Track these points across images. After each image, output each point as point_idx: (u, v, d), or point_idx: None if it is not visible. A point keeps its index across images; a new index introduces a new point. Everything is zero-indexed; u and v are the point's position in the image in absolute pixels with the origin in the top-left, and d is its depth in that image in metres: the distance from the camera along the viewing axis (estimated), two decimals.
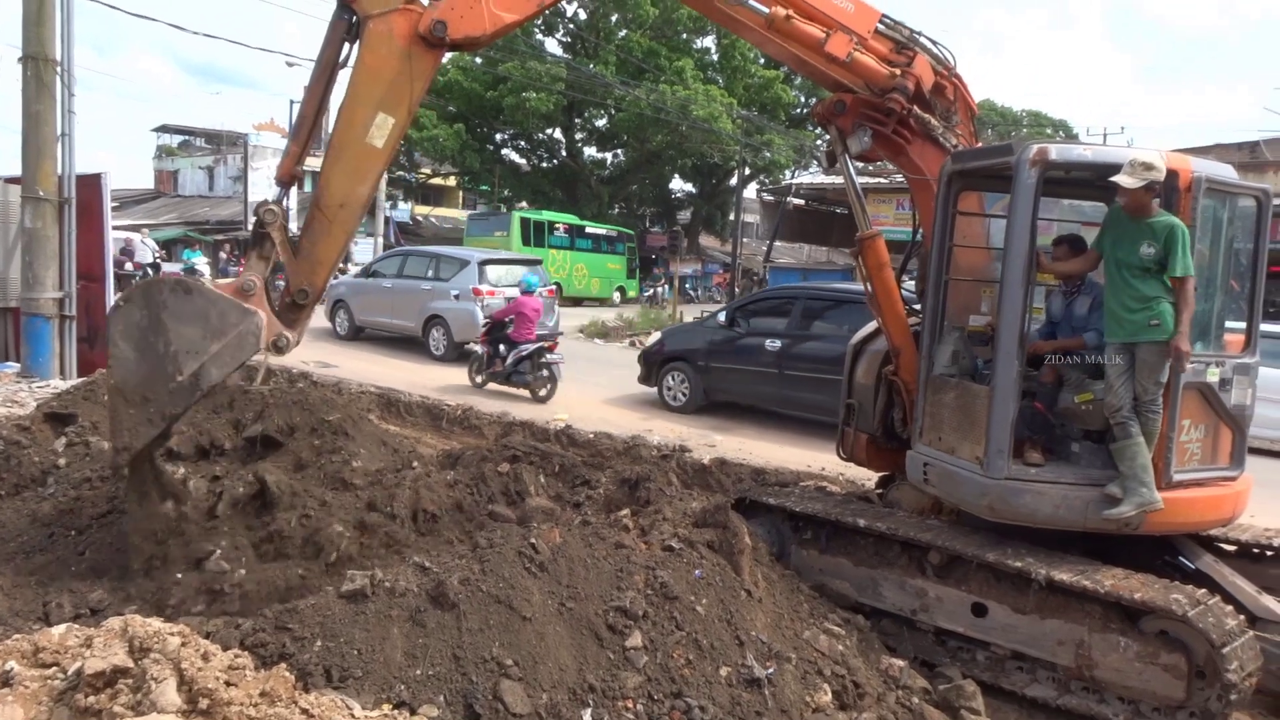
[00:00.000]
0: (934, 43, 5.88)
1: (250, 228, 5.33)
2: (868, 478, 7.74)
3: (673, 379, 12.99)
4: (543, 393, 13.14)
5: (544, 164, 42.18)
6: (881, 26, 5.76)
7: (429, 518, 6.03)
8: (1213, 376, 5.18)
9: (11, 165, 12.89)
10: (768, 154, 37.06)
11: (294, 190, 5.69)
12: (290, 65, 40.99)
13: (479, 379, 13.65)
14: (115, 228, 17.88)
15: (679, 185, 46.50)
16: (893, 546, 5.71)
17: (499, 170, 40.44)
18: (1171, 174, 5.02)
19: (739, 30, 5.97)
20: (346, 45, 5.34)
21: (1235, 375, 5.22)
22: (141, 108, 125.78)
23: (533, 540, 4.49)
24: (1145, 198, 4.96)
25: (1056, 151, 5.18)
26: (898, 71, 5.65)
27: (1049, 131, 50.16)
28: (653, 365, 13.29)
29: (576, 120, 40.27)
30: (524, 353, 13.09)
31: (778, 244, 29.59)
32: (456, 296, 16.18)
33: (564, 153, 41.61)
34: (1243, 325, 5.49)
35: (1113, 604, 4.86)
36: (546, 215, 33.35)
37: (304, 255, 5.29)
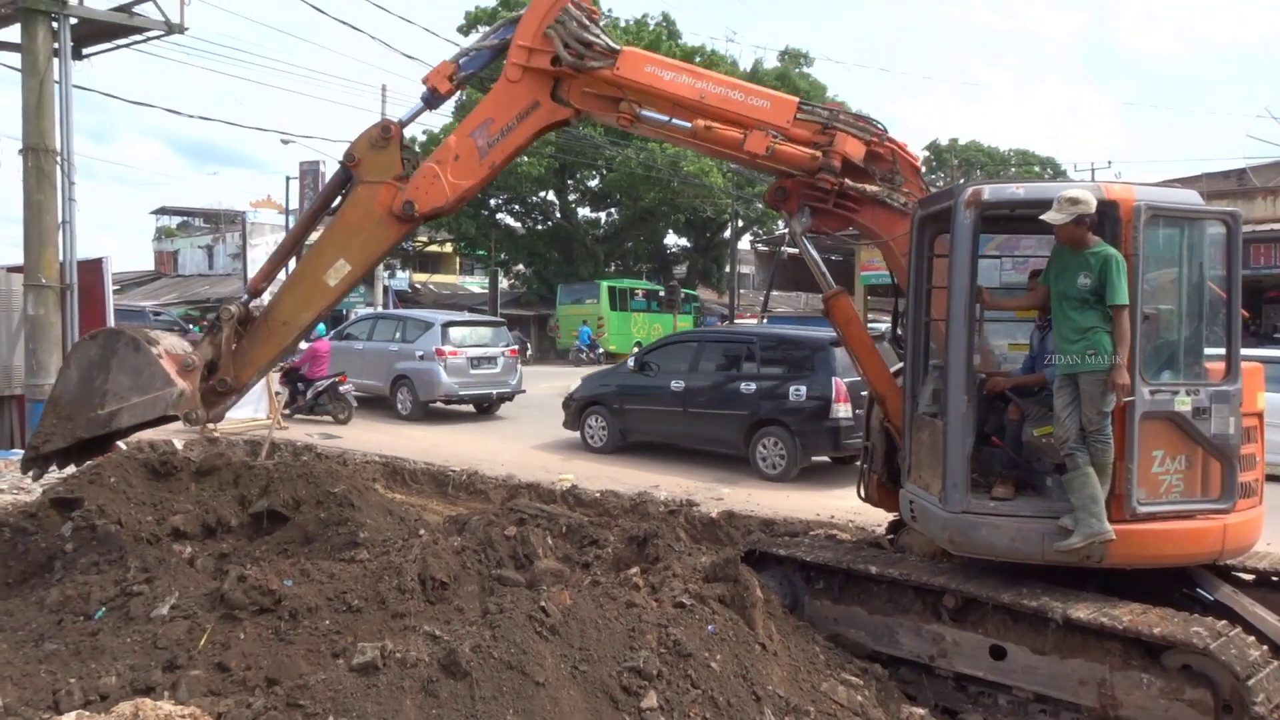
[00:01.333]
0: (858, 117, 6.26)
1: (210, 319, 6.43)
2: (878, 523, 7.70)
3: (593, 422, 13.84)
4: (342, 416, 15.53)
5: (539, 226, 42.60)
6: (800, 114, 6.10)
7: (438, 585, 5.99)
8: (1183, 405, 5.08)
9: (11, 254, 13.06)
10: (760, 205, 37.45)
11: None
12: (285, 143, 41.76)
13: (286, 412, 15.23)
14: (117, 309, 18.05)
15: (673, 240, 46.92)
16: (906, 592, 5.66)
17: (495, 235, 40.83)
18: (1111, 204, 5.09)
19: (675, 143, 6.62)
20: (340, 198, 6.35)
21: (1214, 404, 5.10)
22: (139, 191, 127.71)
23: (543, 604, 4.46)
24: (1078, 231, 5.04)
25: (990, 192, 5.30)
26: (819, 154, 5.99)
27: (1036, 169, 50.79)
28: (574, 410, 14.13)
29: (569, 182, 40.77)
30: (320, 388, 15.62)
31: (775, 293, 29.77)
32: (421, 357, 16.83)
33: (558, 214, 42.04)
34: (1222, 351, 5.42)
35: (1133, 640, 4.79)
36: (627, 283, 35.73)
37: (240, 352, 6.25)
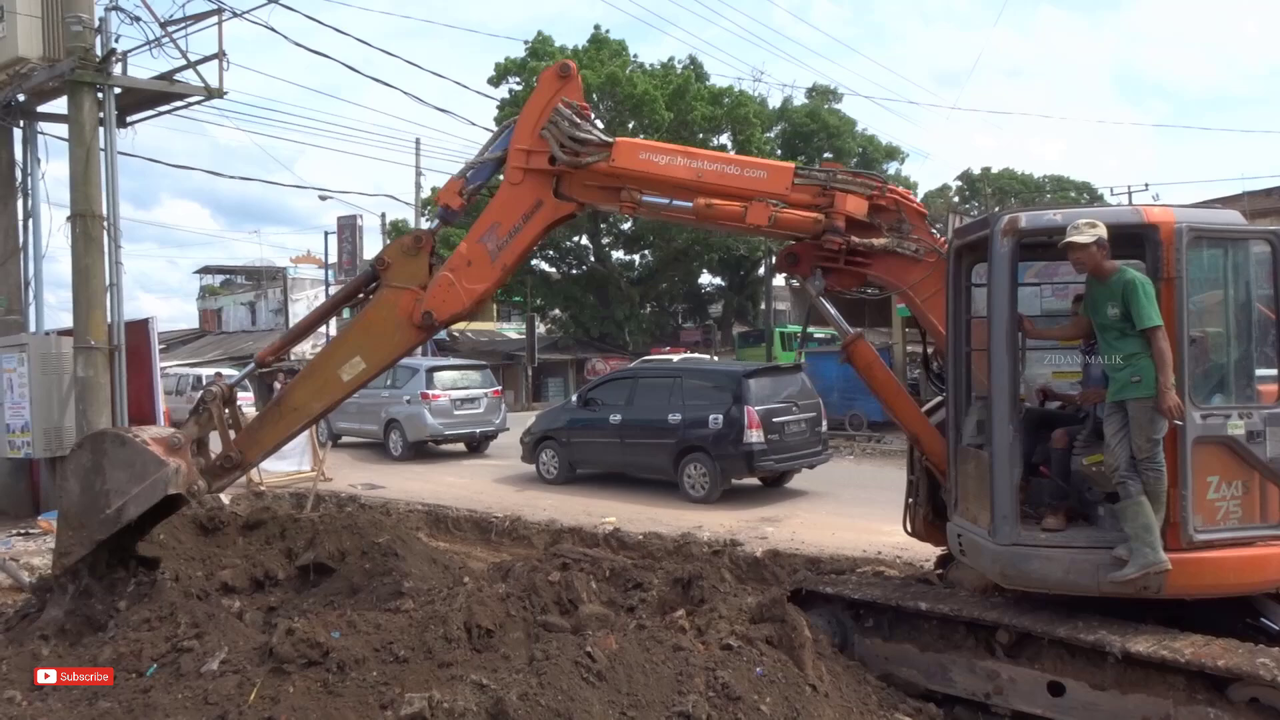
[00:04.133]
0: (856, 173, 6.28)
1: (197, 402, 6.56)
2: (926, 559, 7.57)
3: (546, 455, 15.06)
4: None
5: (574, 271, 42.92)
6: (798, 179, 6.15)
7: (483, 633, 5.97)
8: (1236, 429, 4.97)
9: (59, 319, 13.44)
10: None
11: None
12: (323, 199, 42.59)
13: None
14: (163, 368, 18.55)
15: (708, 280, 47.01)
16: (958, 628, 5.56)
17: (530, 281, 41.18)
18: (1152, 227, 5.02)
19: (680, 224, 6.67)
20: (362, 294, 6.63)
21: (1268, 426, 4.98)
22: (178, 252, 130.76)
23: (589, 649, 4.43)
24: (1097, 257, 5.00)
25: (1027, 219, 5.26)
26: (821, 216, 6.02)
27: (1072, 195, 50.32)
28: (530, 445, 15.32)
29: (602, 225, 41.09)
30: None
31: (811, 329, 29.65)
32: (408, 401, 17.90)
33: (592, 258, 42.35)
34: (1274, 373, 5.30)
35: (1196, 673, 4.66)
36: (793, 328, 36.10)
37: (250, 431, 6.54)
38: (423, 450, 18.22)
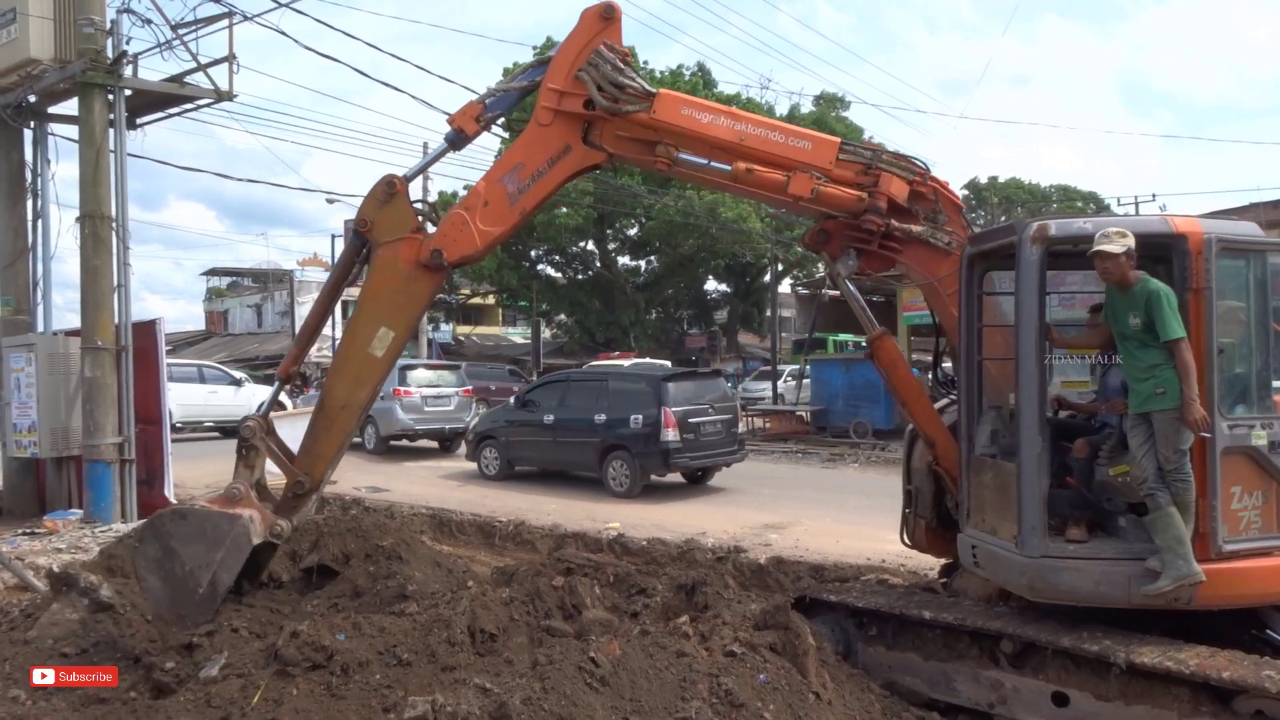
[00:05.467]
0: (899, 156, 6.10)
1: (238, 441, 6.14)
2: (930, 568, 7.56)
3: (487, 453, 16.16)
4: None
5: (579, 276, 42.94)
6: (843, 155, 6.00)
7: (487, 637, 5.97)
8: (1259, 440, 4.98)
9: (66, 319, 13.48)
10: (799, 249, 37.40)
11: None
12: (331, 202, 42.66)
13: None
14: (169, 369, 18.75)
15: (713, 286, 46.96)
16: (962, 637, 5.54)
17: (536, 286, 41.23)
18: (1180, 237, 5.02)
19: (714, 188, 6.53)
20: (356, 266, 6.18)
21: None
22: (184, 254, 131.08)
23: (592, 654, 4.43)
24: (1124, 268, 4.97)
25: (1057, 227, 5.24)
26: (865, 194, 5.88)
27: (1079, 204, 50.25)
28: (473, 443, 16.62)
29: (608, 231, 41.10)
30: None
31: (817, 335, 29.68)
32: (382, 397, 18.04)
33: (598, 263, 42.37)
34: None
35: (1201, 685, 4.64)
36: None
37: (305, 450, 6.06)
38: (394, 449, 19.27)
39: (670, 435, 13.65)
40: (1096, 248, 4.94)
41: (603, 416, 14.49)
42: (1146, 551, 4.93)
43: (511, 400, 16.96)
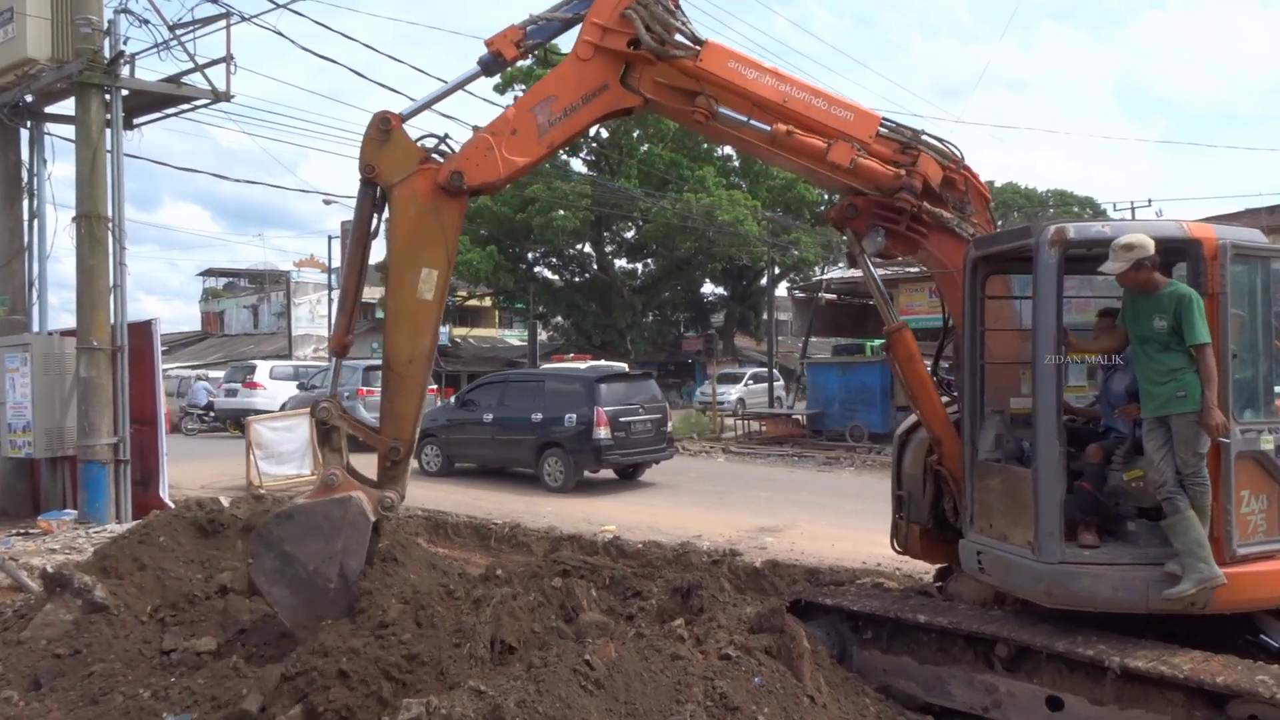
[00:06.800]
0: (937, 139, 6.02)
1: (314, 427, 5.98)
2: (925, 571, 7.56)
3: (427, 450, 16.73)
4: None
5: (576, 278, 42.95)
6: (883, 130, 5.92)
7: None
8: (1267, 444, 5.03)
9: (61, 319, 13.49)
10: (795, 252, 37.49)
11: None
12: (328, 203, 42.69)
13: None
14: (166, 370, 18.75)
15: (710, 289, 47.02)
16: (957, 641, 5.54)
17: (533, 288, 41.22)
18: (1194, 242, 5.03)
19: (747, 149, 6.26)
20: (375, 217, 5.81)
21: None
22: (179, 254, 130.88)
23: (587, 657, 4.42)
24: (1144, 275, 4.97)
25: (1075, 230, 5.23)
26: (903, 172, 5.78)
27: (1075, 209, 50.33)
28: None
29: (605, 234, 41.13)
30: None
31: (814, 339, 29.69)
32: (346, 397, 18.45)
33: (595, 266, 42.39)
34: None
35: (1195, 689, 4.64)
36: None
37: (387, 415, 5.78)
38: (352, 446, 19.76)
39: (602, 433, 14.61)
40: (1138, 256, 4.92)
41: (539, 415, 15.34)
42: (1162, 556, 4.93)
43: (451, 400, 17.72)
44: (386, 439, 5.77)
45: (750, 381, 35.66)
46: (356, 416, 18.25)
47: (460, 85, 6.16)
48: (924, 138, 5.95)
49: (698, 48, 5.72)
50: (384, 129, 5.64)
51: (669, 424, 16.55)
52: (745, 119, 5.82)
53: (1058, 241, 5.10)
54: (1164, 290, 4.97)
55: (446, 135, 5.85)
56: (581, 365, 26.29)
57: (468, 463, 16.86)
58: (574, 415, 14.91)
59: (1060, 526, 5.06)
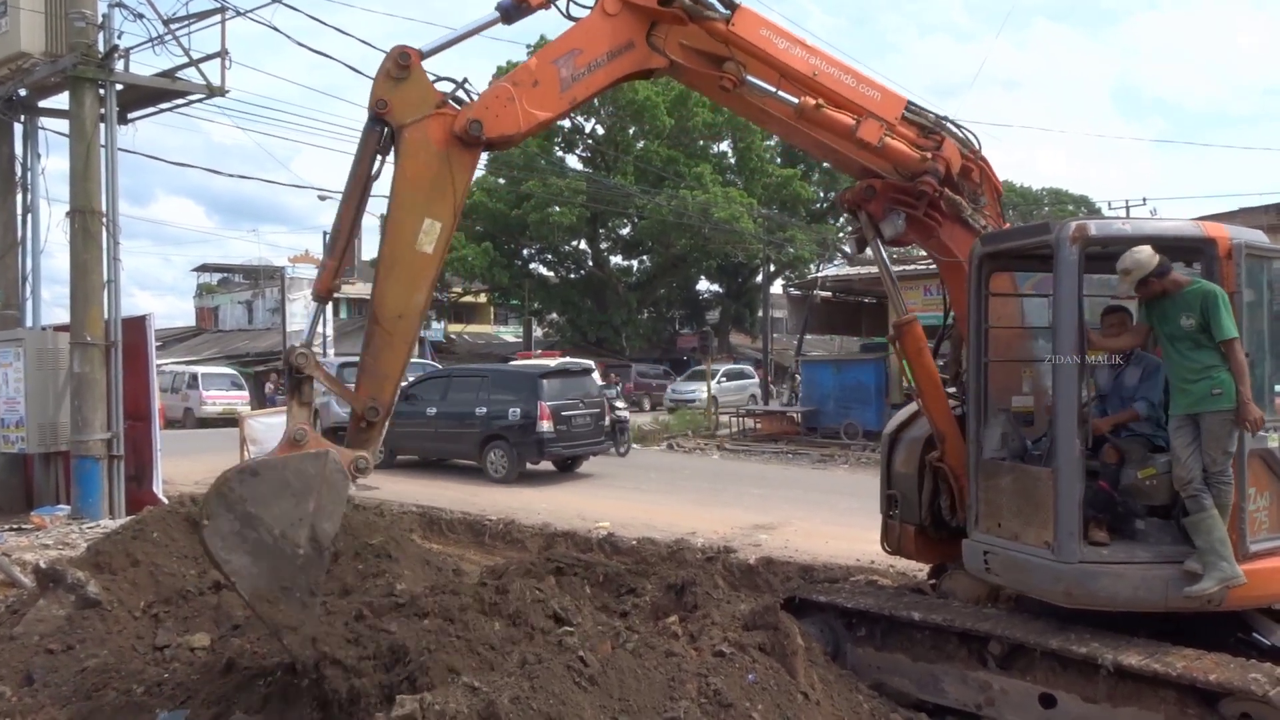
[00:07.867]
0: (959, 127, 5.98)
1: (285, 374, 5.20)
2: (919, 569, 7.57)
3: None
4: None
5: (571, 275, 42.96)
6: (907, 113, 5.85)
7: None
8: (1273, 442, 5.09)
9: (55, 315, 13.44)
10: (791, 250, 37.53)
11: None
12: (322, 199, 42.58)
13: None
14: (160, 365, 18.68)
15: (706, 286, 47.09)
16: (951, 639, 5.54)
17: (528, 284, 41.24)
18: (1209, 241, 5.06)
19: (767, 122, 6.14)
20: (379, 158, 5.33)
21: None
22: (173, 249, 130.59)
23: (581, 653, 4.42)
24: (1157, 286, 5.00)
25: (1096, 227, 5.24)
26: (928, 155, 5.73)
27: (1070, 208, 50.42)
28: None
29: (600, 231, 41.16)
30: None
31: (809, 337, 29.69)
32: (323, 392, 18.71)
33: (590, 263, 42.40)
34: None
35: (1188, 687, 4.65)
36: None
37: (367, 371, 5.18)
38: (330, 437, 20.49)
39: (545, 427, 15.26)
40: (1138, 277, 4.96)
41: (483, 409, 15.96)
42: (1178, 554, 4.94)
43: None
44: (364, 398, 5.14)
45: (724, 379, 33.85)
46: (329, 409, 17.03)
47: (474, 31, 5.78)
48: (947, 123, 5.91)
49: (729, 11, 5.57)
50: (402, 64, 5.19)
51: (606, 418, 17.32)
52: (773, 89, 5.66)
53: (1079, 238, 5.08)
54: (1189, 288, 4.98)
55: (465, 80, 5.49)
56: (552, 363, 26.20)
57: (410, 454, 17.35)
58: (518, 409, 15.53)
59: (1080, 527, 5.05)
